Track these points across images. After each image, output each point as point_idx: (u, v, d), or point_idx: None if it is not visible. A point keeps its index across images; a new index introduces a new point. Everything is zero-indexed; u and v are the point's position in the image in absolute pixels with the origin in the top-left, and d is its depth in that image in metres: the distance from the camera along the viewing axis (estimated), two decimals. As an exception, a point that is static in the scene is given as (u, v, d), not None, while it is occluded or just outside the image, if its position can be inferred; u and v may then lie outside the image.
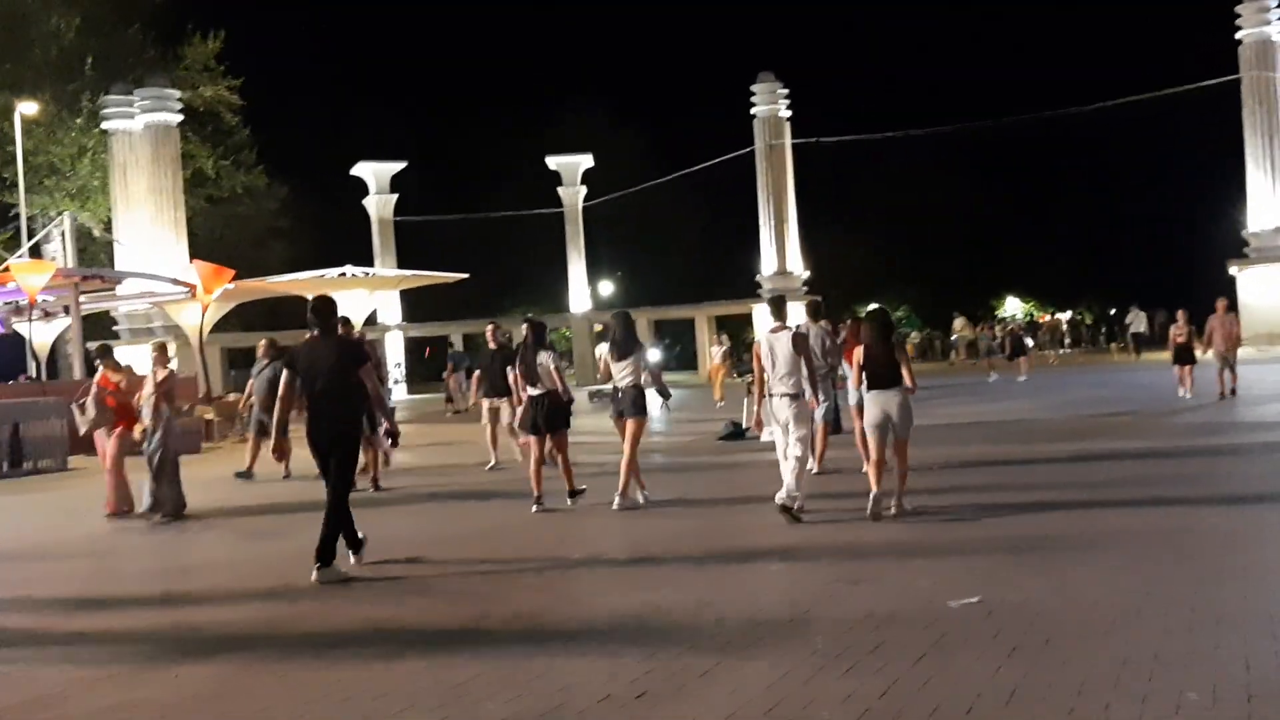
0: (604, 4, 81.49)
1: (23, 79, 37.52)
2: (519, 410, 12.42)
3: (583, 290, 51.02)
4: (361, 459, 13.81)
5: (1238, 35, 41.56)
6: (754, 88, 47.04)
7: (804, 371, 10.35)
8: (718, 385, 28.35)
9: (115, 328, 39.61)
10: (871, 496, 10.09)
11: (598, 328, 53.83)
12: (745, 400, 19.03)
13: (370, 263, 46.23)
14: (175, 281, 30.53)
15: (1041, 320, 64.65)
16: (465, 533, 11.05)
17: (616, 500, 11.45)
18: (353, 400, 9.12)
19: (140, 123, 38.54)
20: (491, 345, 15.88)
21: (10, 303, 28.77)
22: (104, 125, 38.99)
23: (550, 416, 11.58)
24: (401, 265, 47.26)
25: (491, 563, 9.27)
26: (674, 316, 48.98)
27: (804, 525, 9.96)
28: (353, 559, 9.17)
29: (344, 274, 37.94)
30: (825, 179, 53.02)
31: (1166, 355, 22.45)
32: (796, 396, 10.28)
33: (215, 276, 28.05)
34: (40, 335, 32.73)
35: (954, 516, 10.15)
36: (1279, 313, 38.84)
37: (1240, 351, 21.57)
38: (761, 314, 46.81)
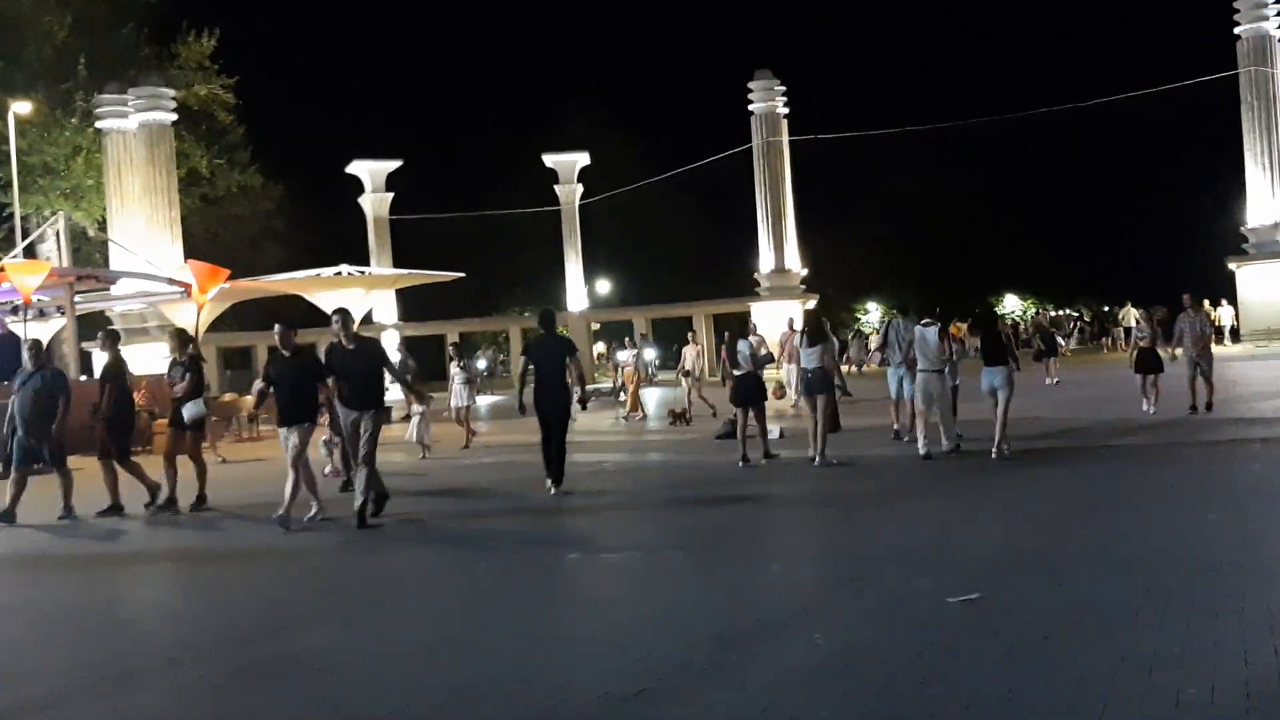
0: (600, 1, 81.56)
1: (15, 78, 37.40)
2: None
3: (579, 288, 50.90)
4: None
5: (1236, 30, 41.59)
6: (751, 84, 47.00)
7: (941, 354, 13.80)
8: (631, 397, 24.55)
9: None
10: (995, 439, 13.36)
11: (595, 327, 53.81)
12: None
13: (366, 262, 46.14)
14: (170, 281, 30.47)
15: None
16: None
17: (818, 459, 13.75)
18: (566, 380, 12.55)
19: (134, 122, 38.45)
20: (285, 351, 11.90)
21: (5, 303, 28.67)
22: (98, 124, 38.89)
23: (749, 392, 14.80)
24: (397, 264, 47.17)
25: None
26: (671, 315, 48.83)
27: (805, 521, 10.40)
28: (555, 489, 12.27)
29: (340, 273, 37.88)
30: (823, 176, 52.95)
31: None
32: (939, 372, 13.74)
33: (210, 276, 27.96)
34: (35, 335, 32.63)
35: (951, 515, 10.12)
36: (1277, 309, 38.83)
37: (1238, 349, 20.67)
38: (761, 311, 46.71)
